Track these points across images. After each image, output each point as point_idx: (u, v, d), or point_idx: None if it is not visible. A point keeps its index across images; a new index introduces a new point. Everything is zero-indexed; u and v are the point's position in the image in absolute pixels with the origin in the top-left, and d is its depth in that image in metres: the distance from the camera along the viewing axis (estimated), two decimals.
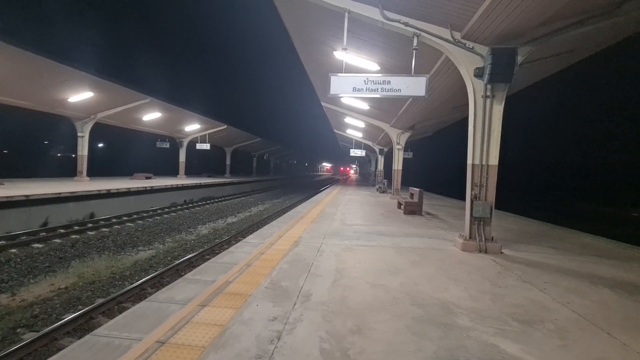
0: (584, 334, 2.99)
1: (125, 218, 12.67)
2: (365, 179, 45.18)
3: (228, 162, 34.36)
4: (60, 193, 11.27)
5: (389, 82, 5.54)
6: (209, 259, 5.55)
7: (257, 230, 8.60)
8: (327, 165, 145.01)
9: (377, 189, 20.99)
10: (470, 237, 5.86)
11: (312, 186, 42.63)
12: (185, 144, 25.27)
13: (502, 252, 5.76)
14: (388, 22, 5.72)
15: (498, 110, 5.61)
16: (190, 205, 17.70)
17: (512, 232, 7.91)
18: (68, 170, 20.32)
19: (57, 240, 9.18)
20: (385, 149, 22.78)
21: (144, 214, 13.91)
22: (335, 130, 24.10)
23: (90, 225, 11.06)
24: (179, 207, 16.41)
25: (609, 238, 7.57)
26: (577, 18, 4.93)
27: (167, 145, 24.34)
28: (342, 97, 8.91)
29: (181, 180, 22.59)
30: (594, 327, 3.12)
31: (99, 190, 13.00)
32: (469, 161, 5.78)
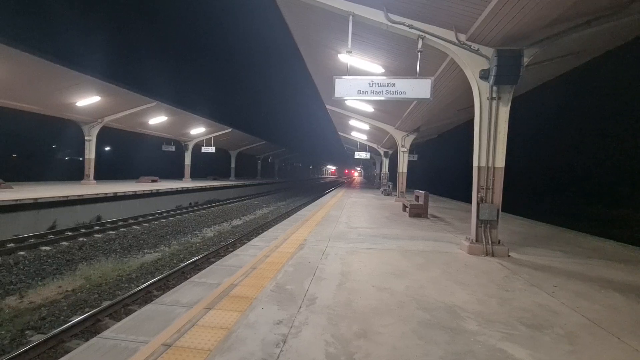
0: (593, 339, 2.94)
1: (132, 221, 12.77)
2: (370, 182, 45.08)
3: (233, 165, 34.53)
4: (67, 196, 11.40)
5: (393, 85, 5.53)
6: (214, 262, 5.56)
7: (262, 233, 8.61)
8: (331, 168, 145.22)
9: (382, 192, 20.92)
10: (476, 240, 5.81)
11: (316, 189, 42.64)
12: (190, 147, 25.47)
13: (509, 255, 5.70)
14: (392, 25, 5.72)
15: (504, 112, 5.58)
16: (196, 208, 17.80)
17: (519, 235, 7.82)
18: (75, 173, 20.55)
19: (65, 243, 9.28)
20: (390, 152, 22.72)
21: (150, 217, 14.02)
22: (339, 133, 24.11)
23: (97, 228, 11.17)
24: (184, 210, 16.51)
25: (619, 241, 7.45)
26: (584, 19, 4.89)
27: (172, 148, 24.54)
28: (346, 99, 8.91)
29: (186, 183, 22.74)
30: (604, 332, 3.07)
31: (106, 194, 13.14)
32: (475, 163, 5.74)
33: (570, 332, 3.04)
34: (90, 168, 16.86)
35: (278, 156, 51.71)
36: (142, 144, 29.39)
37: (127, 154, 37.40)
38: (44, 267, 7.26)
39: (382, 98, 5.61)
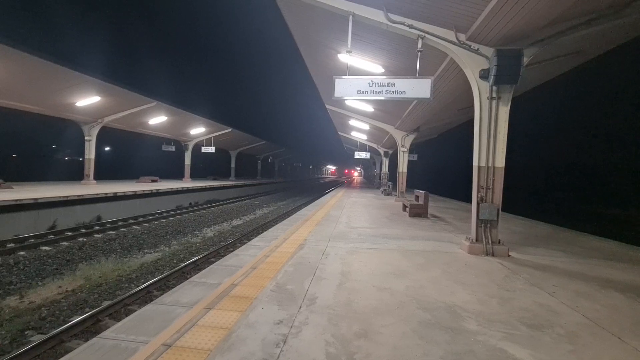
0: (594, 338, 2.94)
1: (132, 221, 12.76)
2: (370, 182, 45.08)
3: (233, 165, 34.53)
4: (68, 196, 11.40)
5: (393, 85, 5.52)
6: (214, 262, 5.56)
7: (262, 232, 8.62)
8: (331, 168, 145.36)
9: (382, 192, 20.93)
10: (476, 240, 5.80)
11: (316, 189, 42.62)
12: (190, 147, 25.47)
13: (509, 255, 5.70)
14: (392, 25, 5.72)
15: (504, 111, 5.57)
16: (196, 208, 17.79)
17: (519, 234, 7.82)
18: (75, 173, 20.56)
19: (65, 243, 9.27)
20: (390, 152, 22.73)
21: (150, 217, 14.01)
22: (339, 133, 24.12)
23: (97, 228, 11.16)
24: (184, 210, 16.50)
25: (619, 241, 7.45)
26: (584, 19, 4.89)
27: (172, 148, 24.52)
28: (346, 99, 8.91)
29: (187, 183, 22.74)
30: (604, 332, 3.07)
31: (106, 194, 13.14)
32: (475, 163, 5.74)
33: (571, 332, 3.04)
34: (90, 168, 16.86)
35: (278, 156, 51.71)
36: (142, 144, 29.41)
37: (127, 154, 37.41)
38: (44, 267, 7.25)
39: (382, 98, 5.61)
